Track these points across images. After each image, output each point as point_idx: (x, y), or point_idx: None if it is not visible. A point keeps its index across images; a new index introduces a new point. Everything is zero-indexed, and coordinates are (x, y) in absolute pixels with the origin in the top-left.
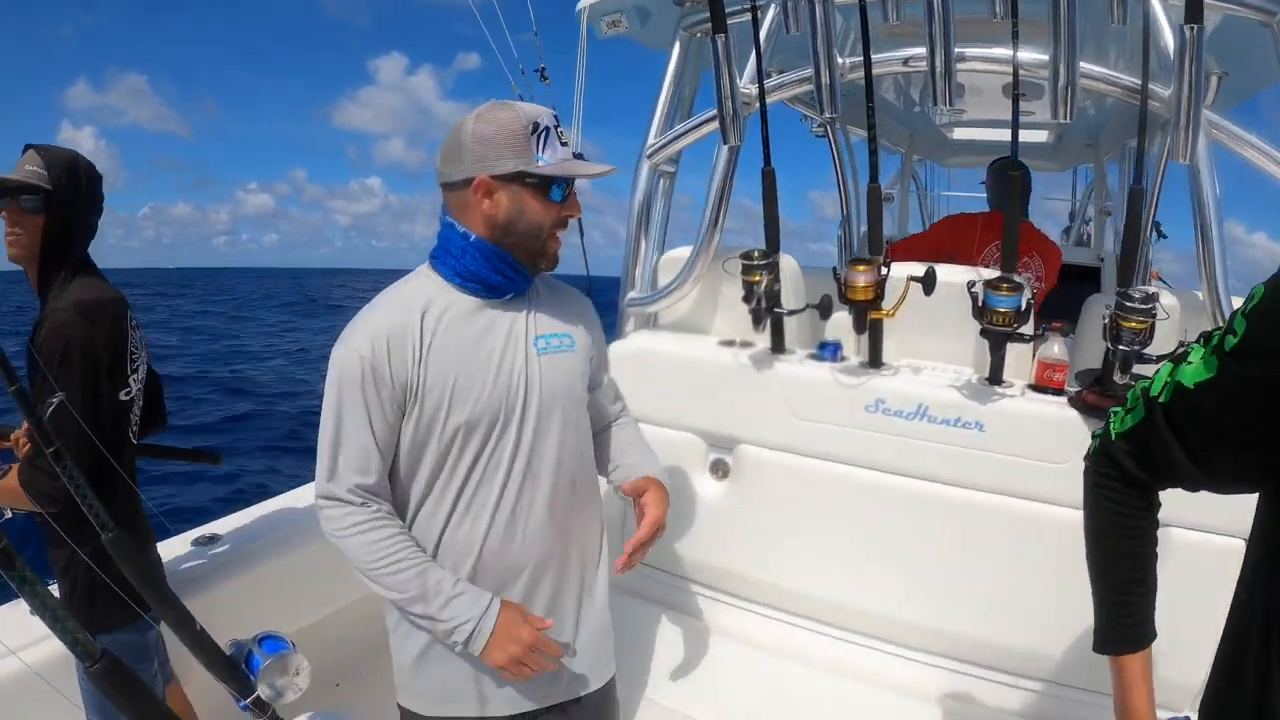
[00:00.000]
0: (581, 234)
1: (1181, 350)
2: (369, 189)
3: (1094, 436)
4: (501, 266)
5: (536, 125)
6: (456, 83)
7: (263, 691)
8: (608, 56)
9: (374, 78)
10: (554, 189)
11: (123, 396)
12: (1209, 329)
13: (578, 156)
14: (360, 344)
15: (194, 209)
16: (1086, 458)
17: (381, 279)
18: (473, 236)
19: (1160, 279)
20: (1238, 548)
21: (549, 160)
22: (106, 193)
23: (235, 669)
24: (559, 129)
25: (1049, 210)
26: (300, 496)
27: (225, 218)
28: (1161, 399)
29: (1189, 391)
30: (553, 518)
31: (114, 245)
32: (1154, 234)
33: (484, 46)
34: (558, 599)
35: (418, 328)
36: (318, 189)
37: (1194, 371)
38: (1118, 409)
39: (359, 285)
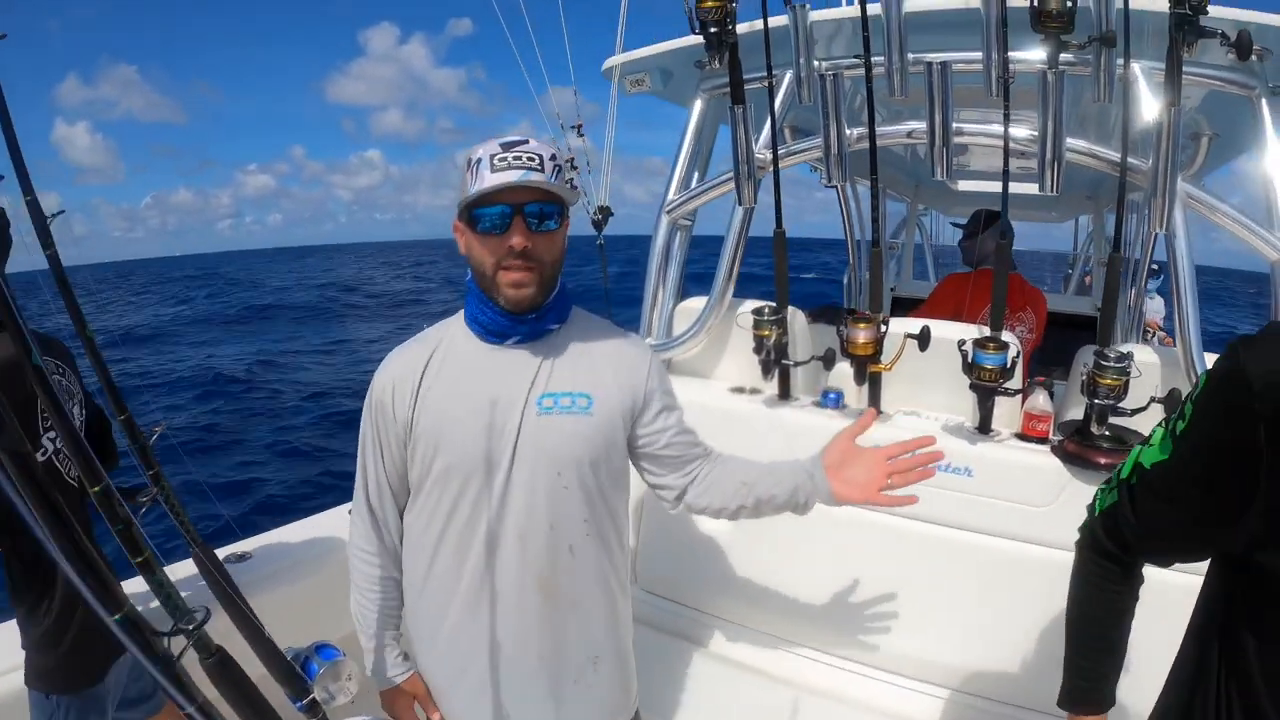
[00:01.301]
0: (601, 250)
1: (1147, 437)
2: (369, 162)
3: (1087, 510)
4: (485, 308)
5: (470, 160)
6: (450, 50)
7: (318, 694)
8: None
9: (365, 49)
10: (474, 217)
11: (39, 457)
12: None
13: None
14: (380, 380)
15: (196, 194)
16: (1078, 530)
17: (382, 252)
18: (469, 277)
19: (1160, 328)
20: (1182, 582)
21: (474, 190)
22: (107, 185)
23: (293, 672)
24: (501, 156)
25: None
26: (323, 522)
27: (227, 201)
28: (1131, 480)
29: (1146, 471)
30: (542, 584)
31: (119, 238)
32: (1150, 280)
33: (474, 11)
34: (553, 663)
35: (421, 370)
36: (317, 165)
37: (1151, 453)
38: (1102, 487)
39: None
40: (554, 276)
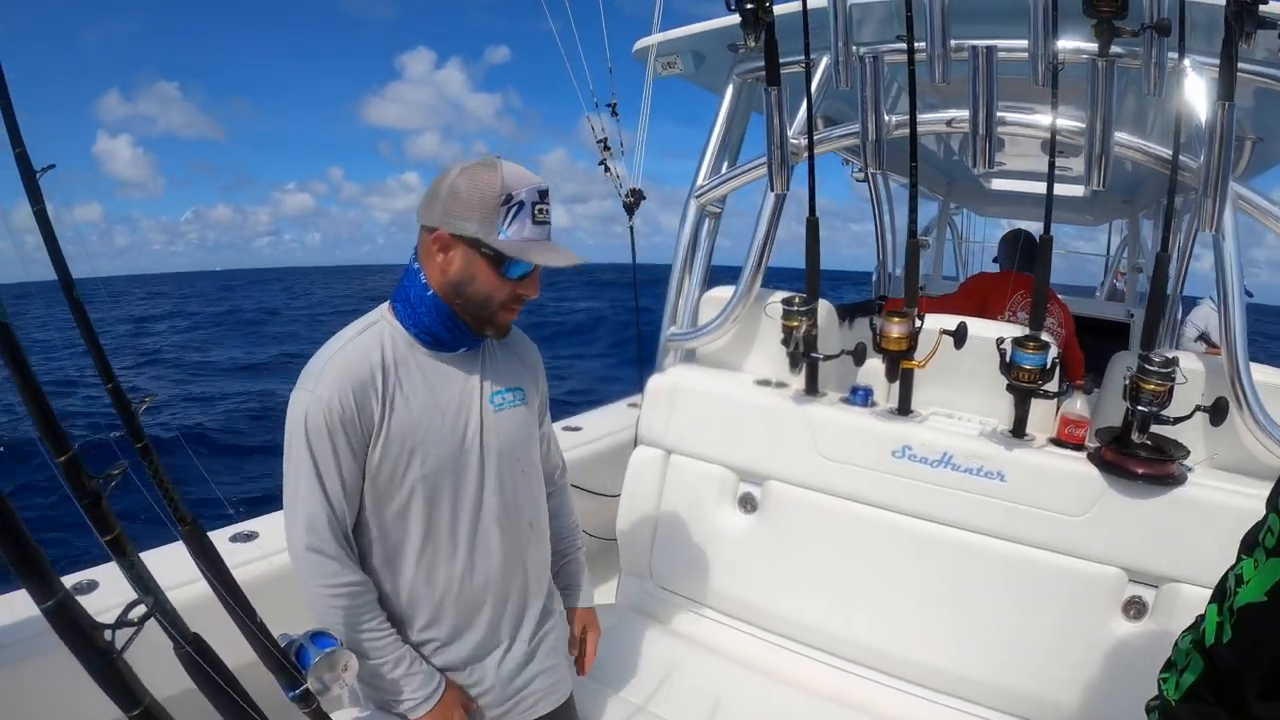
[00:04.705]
0: (632, 232)
1: (1222, 584)
2: (406, 185)
3: (1149, 713)
4: (451, 325)
5: (510, 197)
6: (487, 75)
7: (311, 685)
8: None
9: (402, 73)
10: (510, 265)
11: None
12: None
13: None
14: (327, 396)
15: (235, 211)
16: None
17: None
18: (430, 290)
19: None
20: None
21: (511, 236)
22: (148, 199)
23: (287, 661)
24: (540, 206)
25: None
26: None
27: (266, 218)
28: (1225, 638)
29: (1263, 604)
30: (510, 557)
31: (159, 251)
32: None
33: (512, 39)
34: (519, 626)
35: (380, 381)
36: (355, 187)
37: (1259, 583)
38: (1166, 675)
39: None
40: None
